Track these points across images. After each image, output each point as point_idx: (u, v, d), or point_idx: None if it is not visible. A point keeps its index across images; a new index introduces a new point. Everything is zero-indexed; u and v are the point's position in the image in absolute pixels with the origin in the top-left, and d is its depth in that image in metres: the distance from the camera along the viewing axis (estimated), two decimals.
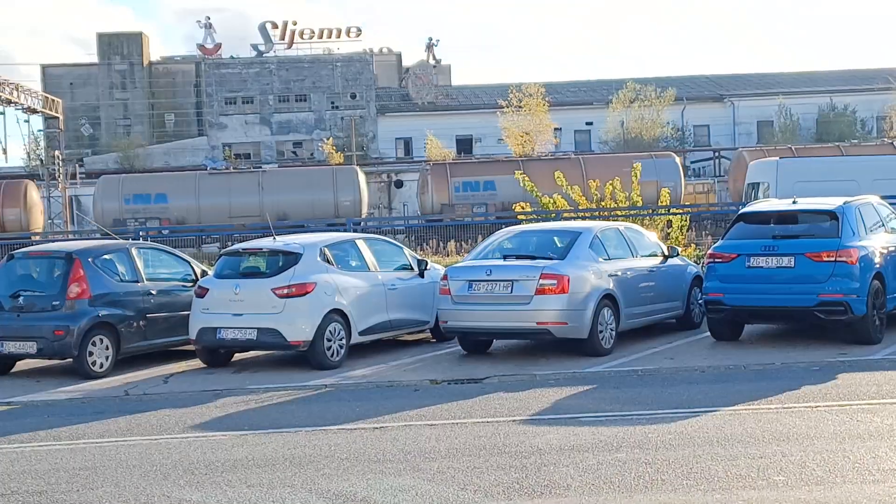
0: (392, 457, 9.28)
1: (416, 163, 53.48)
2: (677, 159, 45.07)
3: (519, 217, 22.94)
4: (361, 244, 16.15)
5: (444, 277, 15.13)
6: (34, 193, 42.44)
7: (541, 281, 14.24)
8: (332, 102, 76.41)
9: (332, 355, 14.60)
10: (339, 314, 14.79)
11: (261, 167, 61.55)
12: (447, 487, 8.19)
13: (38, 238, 33.53)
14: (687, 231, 23.60)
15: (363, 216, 42.48)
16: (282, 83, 76.46)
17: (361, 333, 15.20)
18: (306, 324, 14.44)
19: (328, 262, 15.16)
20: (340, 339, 14.76)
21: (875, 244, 14.71)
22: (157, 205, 42.70)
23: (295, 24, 79.68)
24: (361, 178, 43.78)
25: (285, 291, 14.50)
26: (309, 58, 77.36)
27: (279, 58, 77.58)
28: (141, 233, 31.22)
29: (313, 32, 79.78)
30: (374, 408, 11.65)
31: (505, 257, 15.17)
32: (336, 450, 9.64)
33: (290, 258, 14.93)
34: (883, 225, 15.41)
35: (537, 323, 14.29)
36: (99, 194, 42.94)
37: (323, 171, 46.75)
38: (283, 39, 79.28)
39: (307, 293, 14.54)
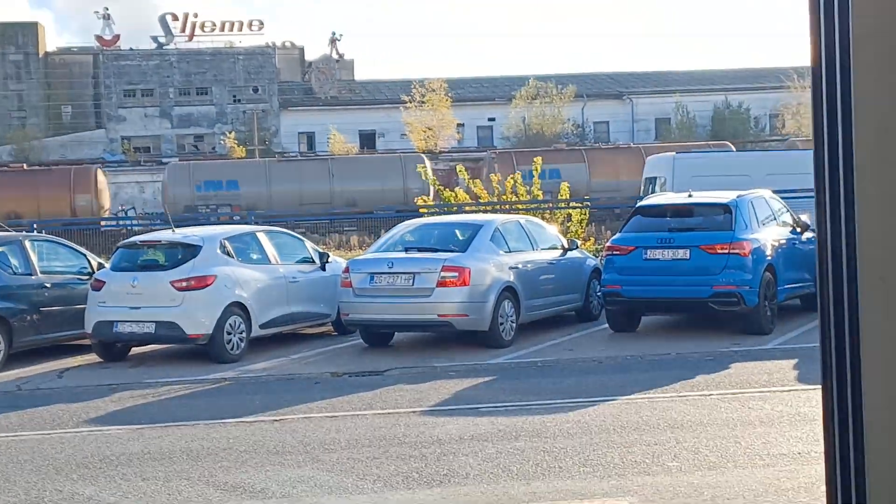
0: (291, 448, 9.25)
1: (321, 158, 53.01)
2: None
3: (421, 210, 22.98)
4: (262, 237, 16.05)
5: (346, 270, 15.13)
6: (103, 178, 41.51)
7: (442, 273, 14.32)
8: (234, 96, 75.56)
9: (232, 349, 14.48)
10: (239, 307, 14.67)
11: (161, 160, 60.68)
12: (346, 478, 8.19)
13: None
14: (587, 224, 23.91)
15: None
16: (182, 76, 75.39)
17: (262, 326, 15.11)
18: (206, 317, 14.30)
19: (228, 254, 15.04)
20: (241, 333, 14.64)
21: (767, 237, 15.08)
22: (229, 191, 42.30)
23: (196, 16, 78.60)
24: (429, 166, 43.58)
25: (184, 284, 14.34)
26: (210, 51, 76.41)
27: (180, 50, 76.50)
28: (211, 218, 30.76)
29: (214, 25, 78.83)
30: (275, 400, 11.60)
31: (406, 250, 15.20)
32: (235, 442, 9.57)
33: (190, 251, 14.78)
34: (774, 218, 15.80)
35: (439, 315, 14.37)
36: (169, 181, 42.27)
37: (391, 159, 46.44)
38: (184, 32, 78.18)
39: (207, 286, 14.40)
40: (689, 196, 15.88)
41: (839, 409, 1.68)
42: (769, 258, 14.85)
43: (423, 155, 45.45)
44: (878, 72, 1.56)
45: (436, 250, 15.01)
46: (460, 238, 15.38)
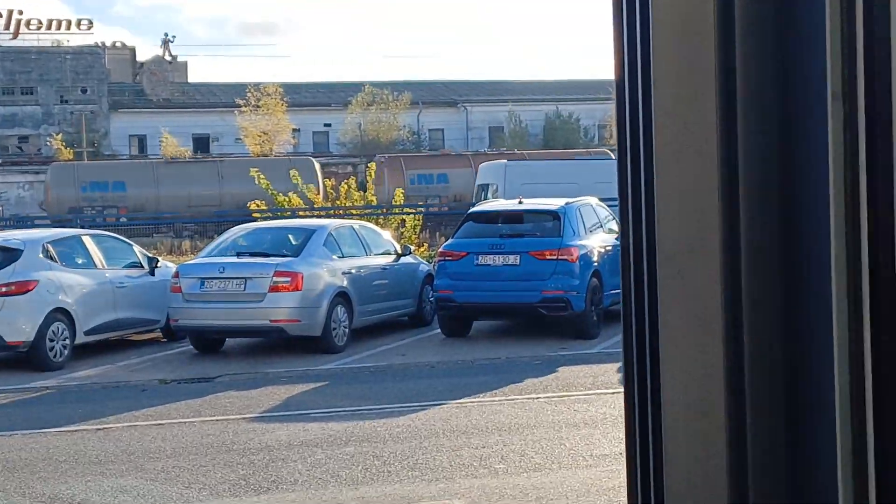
0: (115, 458, 9.01)
1: (210, 160, 51.62)
2: None
3: (254, 215, 22.74)
4: (88, 241, 15.63)
5: (176, 275, 14.88)
6: None
7: (274, 278, 14.23)
8: (62, 96, 73.27)
9: (55, 356, 14.02)
10: (62, 313, 14.23)
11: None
12: (171, 486, 8.03)
13: None
14: (420, 230, 24.07)
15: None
16: (6, 75, 72.70)
17: (87, 333, 14.68)
18: (27, 323, 13.82)
19: (52, 259, 14.57)
20: (64, 339, 14.20)
21: (594, 243, 15.45)
22: (116, 193, 40.90)
23: (21, 13, 75.91)
24: (318, 168, 42.61)
25: (3, 289, 13.83)
26: (36, 49, 73.93)
27: (3, 48, 73.73)
28: (98, 219, 29.67)
29: (41, 23, 76.23)
30: (99, 409, 11.28)
31: (238, 254, 15.05)
32: (55, 452, 9.27)
33: (10, 255, 14.27)
34: (601, 225, 16.21)
35: (271, 321, 14.26)
36: (52, 181, 40.21)
37: (282, 161, 45.52)
38: (8, 29, 75.34)
39: (28, 291, 13.92)
40: (520, 203, 16.16)
41: (640, 407, 1.73)
42: (596, 264, 15.22)
43: (311, 158, 45.18)
44: (675, 81, 1.63)
45: (268, 255, 14.89)
46: (293, 243, 15.31)
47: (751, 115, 1.59)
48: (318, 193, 42.46)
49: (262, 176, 24.14)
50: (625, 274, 1.74)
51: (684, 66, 1.55)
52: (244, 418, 10.57)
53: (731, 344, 1.61)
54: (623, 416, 1.74)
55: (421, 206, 28.25)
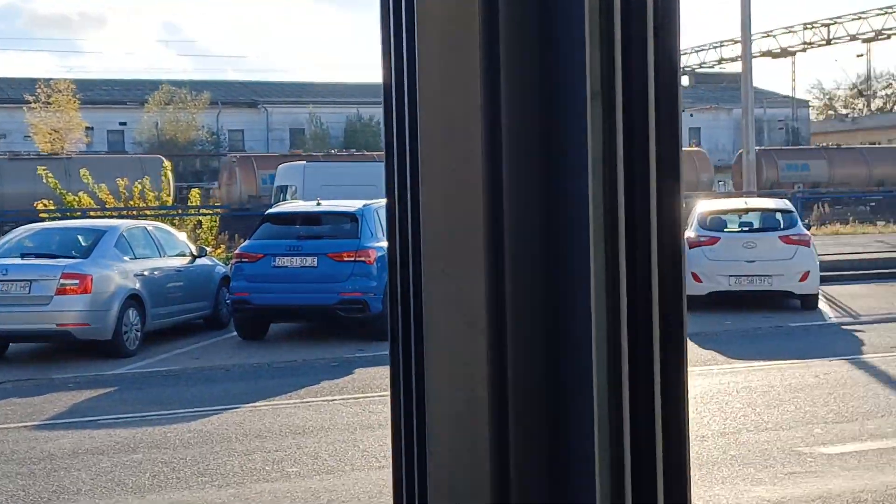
0: None
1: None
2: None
3: (41, 215, 21.90)
4: None
5: None
6: None
7: (62, 280, 13.74)
8: None
9: None
10: None
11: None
12: None
13: None
14: (218, 232, 23.67)
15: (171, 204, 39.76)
16: None
17: None
18: None
19: None
20: None
21: None
22: None
23: None
24: (167, 166, 40.61)
25: None
26: None
27: None
28: None
29: None
30: None
31: (23, 255, 14.47)
32: None
33: None
34: None
35: (58, 325, 13.77)
36: None
37: (131, 160, 43.64)
38: None
39: None
40: (318, 204, 16.07)
41: (405, 407, 1.71)
42: None
43: (161, 157, 43.80)
44: (440, 82, 1.64)
45: (56, 256, 14.38)
46: (83, 244, 14.83)
47: (514, 115, 1.59)
48: (170, 194, 41.56)
49: (50, 175, 23.27)
50: (391, 273, 1.72)
51: (449, 68, 1.54)
52: (26, 426, 10.12)
53: (495, 343, 1.61)
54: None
55: (218, 206, 27.71)
